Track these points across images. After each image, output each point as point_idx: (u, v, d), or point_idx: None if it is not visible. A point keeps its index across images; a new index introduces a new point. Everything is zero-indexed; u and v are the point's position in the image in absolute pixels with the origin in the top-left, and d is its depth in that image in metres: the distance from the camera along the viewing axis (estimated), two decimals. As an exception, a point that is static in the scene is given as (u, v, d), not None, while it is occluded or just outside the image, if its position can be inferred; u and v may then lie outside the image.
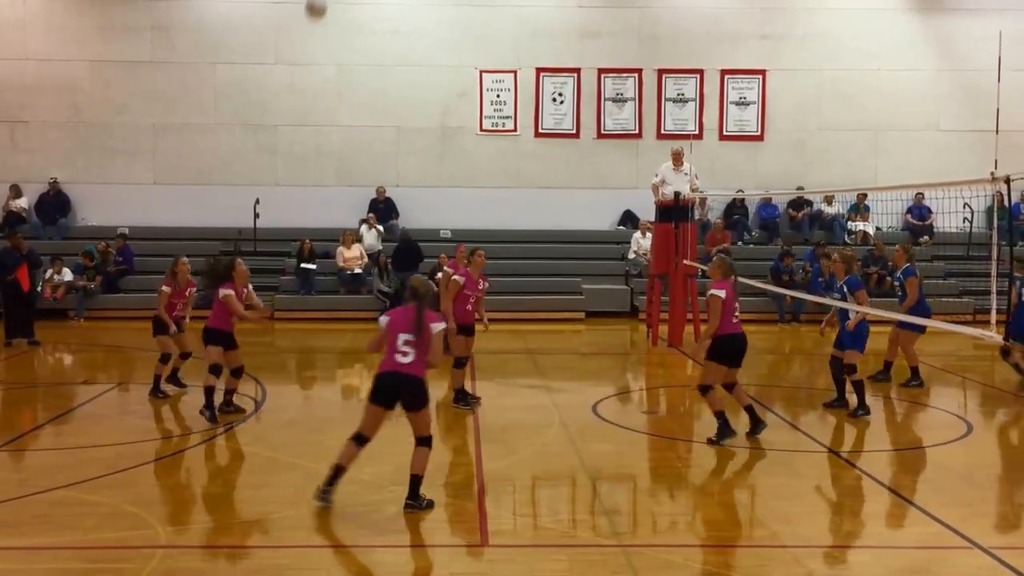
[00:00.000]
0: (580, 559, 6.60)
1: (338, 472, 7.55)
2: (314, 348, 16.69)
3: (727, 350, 9.65)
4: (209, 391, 10.39)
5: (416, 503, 7.47)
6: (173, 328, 11.67)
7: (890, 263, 13.11)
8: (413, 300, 7.46)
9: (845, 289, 11.07)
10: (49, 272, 19.08)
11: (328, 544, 6.88)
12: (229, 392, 10.79)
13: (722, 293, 9.59)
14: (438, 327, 7.43)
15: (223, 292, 10.49)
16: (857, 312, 10.83)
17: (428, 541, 6.97)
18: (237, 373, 10.83)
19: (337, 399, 12.73)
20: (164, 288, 11.67)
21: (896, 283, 12.96)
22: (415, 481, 7.51)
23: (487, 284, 11.92)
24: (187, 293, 11.88)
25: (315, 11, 14.15)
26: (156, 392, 11.65)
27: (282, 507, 7.63)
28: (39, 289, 18.28)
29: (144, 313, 19.08)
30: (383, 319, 7.61)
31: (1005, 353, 12.81)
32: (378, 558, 6.68)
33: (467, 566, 6.50)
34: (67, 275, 19.32)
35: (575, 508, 7.83)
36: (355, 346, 16.14)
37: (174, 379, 11.97)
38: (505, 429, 10.29)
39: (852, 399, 10.99)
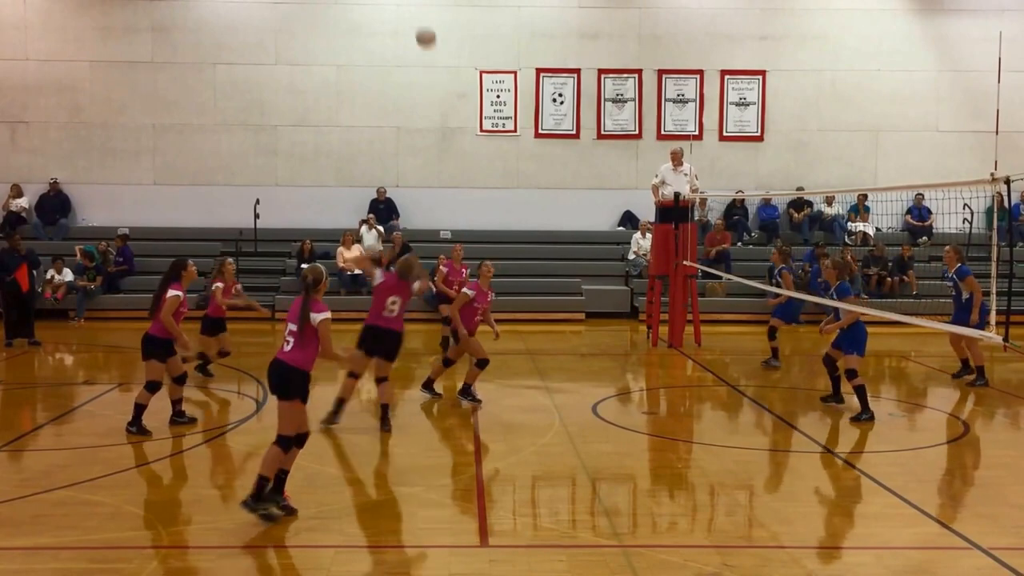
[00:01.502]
0: (580, 559, 6.61)
1: (281, 475, 7.31)
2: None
3: (365, 337, 10.05)
4: (141, 408, 9.88)
5: (256, 504, 7.08)
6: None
7: (944, 265, 13.64)
8: (303, 289, 7.34)
9: (834, 296, 11.35)
10: (50, 272, 19.10)
11: (328, 544, 6.88)
12: (178, 402, 10.24)
13: (380, 279, 10.22)
14: (319, 316, 7.20)
15: (171, 293, 9.85)
16: (846, 314, 10.93)
17: (428, 541, 6.98)
18: (181, 380, 10.23)
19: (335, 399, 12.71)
20: (217, 284, 12.48)
21: (950, 284, 13.23)
22: (259, 482, 7.11)
23: (494, 295, 12.00)
24: (232, 290, 12.72)
25: (425, 39, 13.99)
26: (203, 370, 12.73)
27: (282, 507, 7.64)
28: (39, 289, 18.30)
29: (146, 313, 19.15)
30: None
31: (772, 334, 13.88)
32: (378, 557, 6.69)
33: (467, 566, 6.51)
34: (67, 275, 19.33)
35: (575, 508, 7.83)
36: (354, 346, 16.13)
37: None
38: (505, 429, 10.30)
39: (852, 400, 11.03)
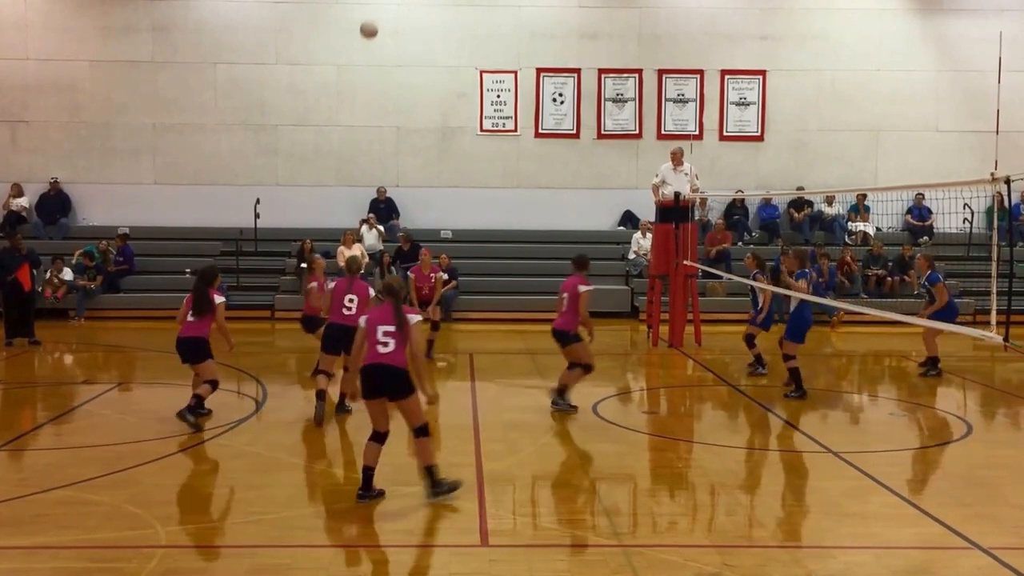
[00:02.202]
0: (580, 559, 6.61)
1: (367, 472, 7.77)
2: (315, 348, 16.61)
3: (327, 334, 10.79)
4: (200, 399, 10.15)
5: (439, 488, 7.69)
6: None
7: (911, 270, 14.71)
8: (389, 297, 7.83)
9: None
10: (50, 272, 19.09)
11: (328, 544, 6.88)
12: (200, 398, 10.33)
13: (331, 284, 11.09)
14: (415, 318, 7.79)
15: (219, 299, 10.17)
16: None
17: (428, 541, 6.98)
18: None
19: (338, 399, 12.72)
20: (312, 284, 12.66)
21: (923, 288, 14.19)
22: (428, 471, 7.71)
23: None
24: (325, 287, 12.57)
25: (367, 32, 14.42)
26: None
27: (282, 507, 7.65)
28: (39, 289, 18.28)
29: (146, 313, 19.30)
30: (362, 320, 7.90)
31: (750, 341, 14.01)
32: (378, 557, 6.69)
33: (467, 566, 6.50)
34: (68, 275, 19.33)
35: (575, 508, 7.82)
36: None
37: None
38: (505, 429, 10.30)
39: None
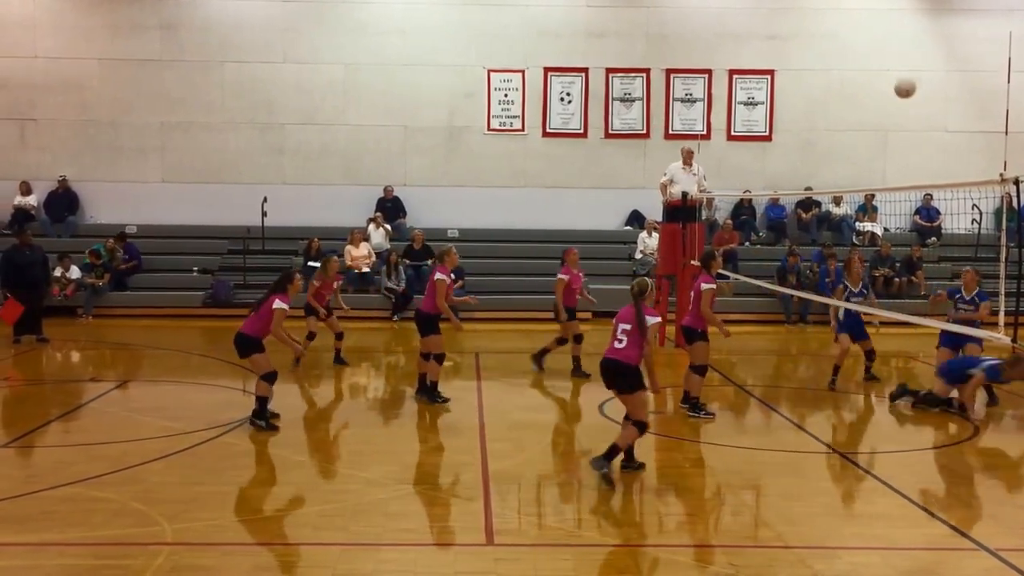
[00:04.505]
0: (585, 559, 6.60)
1: (613, 451, 8.34)
2: (320, 347, 16.68)
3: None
4: (264, 401, 10.21)
5: (602, 463, 8.19)
6: (323, 312, 13.79)
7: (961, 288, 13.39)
8: (632, 298, 8.33)
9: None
10: (58, 270, 19.14)
11: (333, 542, 6.88)
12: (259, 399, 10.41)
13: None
14: (653, 320, 8.24)
15: (277, 305, 10.17)
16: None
17: (433, 540, 6.97)
18: (270, 378, 10.47)
19: (343, 398, 12.75)
20: (314, 281, 13.81)
21: (966, 302, 12.91)
22: (610, 450, 8.23)
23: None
24: (334, 285, 14.16)
25: (903, 91, 13.75)
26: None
27: (287, 505, 7.66)
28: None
29: (153, 311, 19.34)
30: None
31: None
32: (383, 556, 6.68)
33: (472, 565, 6.50)
34: (75, 273, 19.38)
35: (580, 508, 7.82)
36: (361, 344, 16.19)
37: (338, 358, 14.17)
38: (511, 428, 10.29)
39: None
